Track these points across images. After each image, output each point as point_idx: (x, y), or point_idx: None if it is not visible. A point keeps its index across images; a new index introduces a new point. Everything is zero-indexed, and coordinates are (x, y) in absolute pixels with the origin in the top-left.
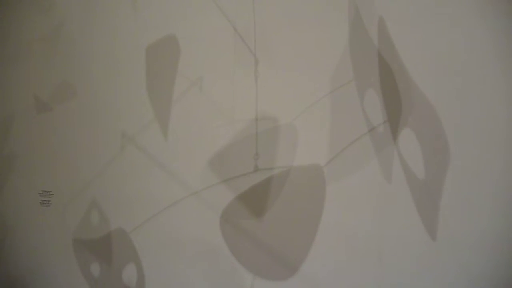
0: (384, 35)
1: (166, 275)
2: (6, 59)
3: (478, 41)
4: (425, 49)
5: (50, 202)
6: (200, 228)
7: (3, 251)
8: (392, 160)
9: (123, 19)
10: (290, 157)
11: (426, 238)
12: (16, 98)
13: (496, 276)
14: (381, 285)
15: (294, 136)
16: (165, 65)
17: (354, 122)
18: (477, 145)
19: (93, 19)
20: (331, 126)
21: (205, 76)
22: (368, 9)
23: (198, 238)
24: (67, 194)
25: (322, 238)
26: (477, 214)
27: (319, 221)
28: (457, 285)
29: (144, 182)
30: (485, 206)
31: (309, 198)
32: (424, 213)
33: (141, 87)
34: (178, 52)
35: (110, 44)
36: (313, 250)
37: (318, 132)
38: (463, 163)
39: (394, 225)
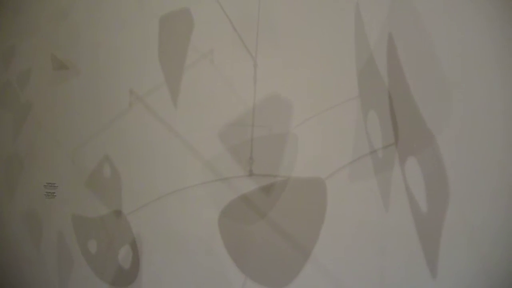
0: (392, 54)
1: (159, 263)
2: (24, 27)
3: (487, 70)
4: (431, 72)
5: (54, 194)
6: (198, 221)
7: (19, 184)
8: (389, 187)
9: None
10: (289, 166)
11: (426, 273)
12: (34, 55)
13: None
14: None
15: (294, 145)
16: (177, 35)
17: (355, 140)
18: (477, 182)
19: None
20: (333, 140)
21: (216, 51)
22: (376, 26)
23: (195, 232)
24: (77, 141)
25: (318, 255)
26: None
27: (318, 235)
28: None
29: (150, 146)
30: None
31: (307, 212)
32: (425, 245)
33: (152, 51)
34: (192, 25)
35: (123, 9)
36: (308, 265)
37: (319, 144)
38: (462, 200)
39: (395, 260)
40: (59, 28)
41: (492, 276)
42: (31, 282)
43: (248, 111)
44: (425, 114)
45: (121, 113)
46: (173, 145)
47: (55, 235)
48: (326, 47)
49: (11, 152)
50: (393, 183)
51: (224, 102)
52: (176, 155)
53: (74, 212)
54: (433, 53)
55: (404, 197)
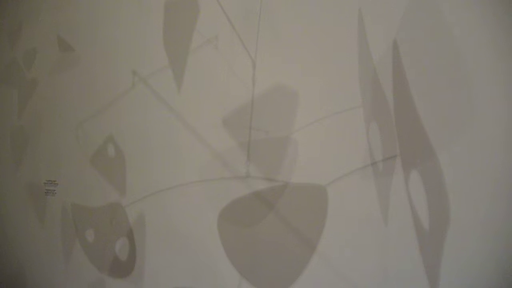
0: (397, 63)
1: (155, 257)
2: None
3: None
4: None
5: (55, 191)
6: (196, 219)
7: (24, 157)
8: (389, 201)
9: None
10: (288, 171)
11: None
12: (40, 36)
13: None
14: None
15: (294, 150)
16: (182, 18)
17: (357, 150)
18: (478, 205)
19: None
20: (334, 148)
21: (220, 37)
22: (380, 32)
23: (193, 229)
24: (81, 117)
25: (314, 268)
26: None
27: (318, 243)
28: None
29: (153, 128)
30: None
31: (307, 219)
32: (426, 261)
33: (156, 33)
34: (197, 10)
35: None
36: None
37: (320, 150)
38: (463, 223)
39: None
40: (64, 9)
41: None
42: (35, 254)
43: (247, 112)
44: (428, 129)
45: (124, 92)
46: (175, 130)
47: (59, 209)
48: (329, 52)
49: (16, 126)
50: (393, 197)
51: (227, 94)
52: (178, 142)
53: (76, 194)
54: (441, 65)
55: (404, 212)
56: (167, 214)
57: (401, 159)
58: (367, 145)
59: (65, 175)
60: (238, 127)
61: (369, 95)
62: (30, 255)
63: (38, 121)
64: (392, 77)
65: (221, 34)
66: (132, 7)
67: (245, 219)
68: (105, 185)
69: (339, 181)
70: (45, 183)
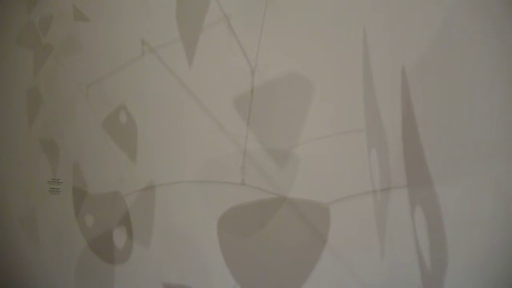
0: (405, 91)
1: (150, 251)
2: None
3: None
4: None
5: (59, 190)
6: (191, 218)
7: (38, 115)
8: (384, 232)
9: None
10: (285, 185)
11: None
12: (56, 4)
13: None
14: None
15: (294, 164)
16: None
17: (357, 175)
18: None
19: None
20: (336, 167)
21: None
22: (387, 57)
23: (190, 228)
24: (92, 80)
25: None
26: None
27: (315, 265)
28: None
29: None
30: None
31: (304, 235)
32: None
33: (169, 6)
34: None
35: None
36: None
37: (321, 167)
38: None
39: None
40: None
41: None
42: (46, 201)
43: (245, 116)
44: (430, 164)
45: (132, 60)
46: (185, 106)
47: (71, 164)
48: (335, 64)
49: (31, 85)
50: (388, 229)
51: (231, 80)
52: (185, 119)
53: (86, 152)
54: (453, 96)
55: (402, 244)
56: (164, 208)
57: (396, 191)
58: (368, 172)
59: (74, 134)
60: (239, 126)
61: (372, 120)
62: (41, 202)
63: (52, 81)
64: (401, 105)
65: (235, 9)
66: None
67: (243, 226)
68: (115, 147)
69: (339, 202)
70: (49, 181)
